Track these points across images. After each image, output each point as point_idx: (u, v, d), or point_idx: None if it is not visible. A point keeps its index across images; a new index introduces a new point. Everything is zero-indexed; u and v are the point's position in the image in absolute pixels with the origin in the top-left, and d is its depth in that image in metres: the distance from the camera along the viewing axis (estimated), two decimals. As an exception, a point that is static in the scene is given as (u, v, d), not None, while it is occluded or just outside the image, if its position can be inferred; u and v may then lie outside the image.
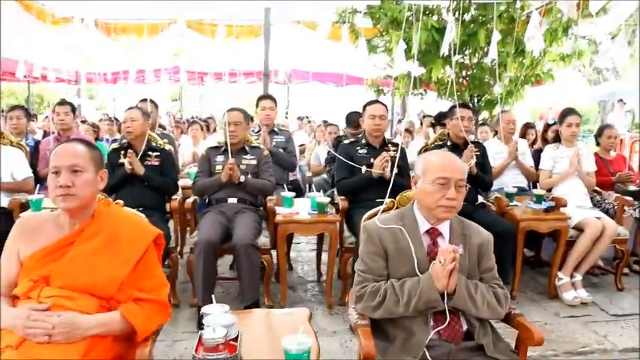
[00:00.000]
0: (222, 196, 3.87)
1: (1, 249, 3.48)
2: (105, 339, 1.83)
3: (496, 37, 5.76)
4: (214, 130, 8.85)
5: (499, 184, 4.60)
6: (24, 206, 3.92)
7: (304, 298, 4.11)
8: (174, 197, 4.06)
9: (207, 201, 4.00)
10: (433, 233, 2.14)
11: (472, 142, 4.16)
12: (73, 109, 4.95)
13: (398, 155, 4.01)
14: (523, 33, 6.83)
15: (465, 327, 2.04)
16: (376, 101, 4.23)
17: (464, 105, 4.35)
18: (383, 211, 2.43)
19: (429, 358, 1.92)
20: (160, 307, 1.98)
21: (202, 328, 1.88)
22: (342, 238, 3.88)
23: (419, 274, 2.03)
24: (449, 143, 4.29)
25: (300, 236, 4.77)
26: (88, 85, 11.98)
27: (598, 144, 5.07)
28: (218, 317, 1.89)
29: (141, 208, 3.78)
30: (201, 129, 7.06)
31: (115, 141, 6.85)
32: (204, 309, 2.02)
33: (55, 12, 8.24)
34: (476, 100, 7.94)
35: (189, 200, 4.00)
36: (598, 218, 4.15)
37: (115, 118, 8.00)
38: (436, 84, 7.82)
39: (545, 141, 5.36)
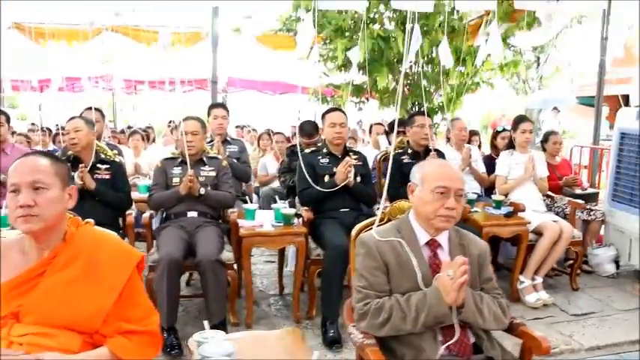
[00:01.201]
0: (181, 209, 3.65)
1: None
2: None
3: (445, 43, 5.81)
4: (153, 140, 8.49)
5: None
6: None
7: (269, 313, 3.94)
8: (128, 212, 3.78)
9: (164, 215, 3.76)
10: (433, 245, 2.07)
11: (352, 152, 4.09)
12: (8, 119, 4.54)
13: (360, 163, 3.98)
14: (462, 42, 7.01)
15: (472, 340, 1.97)
16: (336, 109, 4.13)
17: (423, 113, 4.33)
18: (371, 223, 2.31)
19: (439, 375, 1.83)
20: (151, 339, 1.78)
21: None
22: (307, 250, 3.74)
23: (423, 288, 1.94)
24: (409, 151, 4.26)
25: (255, 249, 4.60)
26: (10, 94, 11.25)
27: (544, 150, 5.20)
28: (216, 346, 1.73)
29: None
30: (142, 139, 6.73)
31: (54, 152, 6.43)
32: (196, 337, 1.84)
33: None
34: (416, 109, 8.06)
35: (146, 215, 3.74)
36: (555, 222, 4.24)
37: (48, 129, 7.51)
38: (378, 92, 7.90)
39: (495, 147, 5.46)
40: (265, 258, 5.12)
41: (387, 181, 2.53)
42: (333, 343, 3.32)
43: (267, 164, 6.25)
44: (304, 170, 3.82)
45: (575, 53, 11.38)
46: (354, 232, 2.32)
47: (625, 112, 4.98)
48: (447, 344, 1.91)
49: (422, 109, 6.90)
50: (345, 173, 3.70)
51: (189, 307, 3.96)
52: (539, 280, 4.20)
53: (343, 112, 4.03)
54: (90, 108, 4.66)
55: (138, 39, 8.73)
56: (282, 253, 4.29)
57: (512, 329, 2.09)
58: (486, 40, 6.72)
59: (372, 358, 1.79)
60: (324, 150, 3.96)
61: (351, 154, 3.96)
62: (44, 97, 11.48)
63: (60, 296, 1.66)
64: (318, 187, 3.76)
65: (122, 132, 8.19)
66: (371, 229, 2.20)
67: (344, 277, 3.50)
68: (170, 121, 11.00)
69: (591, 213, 4.90)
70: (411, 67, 7.64)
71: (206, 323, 1.91)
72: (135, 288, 1.80)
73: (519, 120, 4.65)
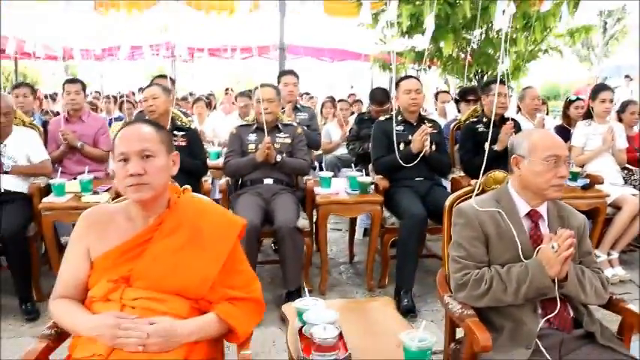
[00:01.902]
0: (257, 176, 3.70)
1: (21, 233, 3.31)
2: (200, 344, 1.66)
3: (511, 9, 5.60)
4: (214, 107, 8.59)
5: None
6: (44, 191, 3.71)
7: (340, 280, 3.99)
8: (204, 179, 3.86)
9: (239, 182, 3.82)
10: (534, 216, 2.03)
11: (427, 120, 4.02)
12: (84, 87, 4.66)
13: (435, 131, 3.93)
14: (529, 8, 6.76)
15: (571, 314, 1.94)
16: (410, 76, 4.07)
17: (500, 81, 4.21)
18: (468, 193, 2.29)
19: (541, 347, 1.81)
20: (255, 305, 1.81)
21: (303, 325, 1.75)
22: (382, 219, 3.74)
23: (523, 259, 1.92)
24: (484, 119, 4.17)
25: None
26: (71, 62, 11.54)
27: (620, 120, 5.00)
28: (320, 313, 1.76)
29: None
30: (207, 106, 6.82)
31: (118, 119, 6.60)
32: (297, 304, 1.88)
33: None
34: (479, 77, 7.88)
35: (222, 182, 3.81)
36: (634, 195, 4.10)
37: (113, 96, 7.68)
38: (441, 60, 7.74)
39: (567, 117, 5.28)
40: (331, 225, 5.16)
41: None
42: (408, 312, 3.34)
43: (330, 132, 6.24)
44: (380, 138, 3.79)
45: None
46: (447, 202, 2.29)
47: None
48: (547, 317, 1.89)
49: (496, 78, 6.77)
50: (421, 141, 3.67)
51: (260, 273, 4.04)
52: (615, 255, 4.10)
53: (417, 78, 3.96)
54: (162, 76, 4.72)
55: (198, 7, 8.75)
56: (352, 221, 4.31)
57: (611, 305, 2.04)
58: (555, 4, 6.47)
59: (475, 329, 1.79)
60: (399, 117, 3.92)
61: (426, 121, 3.91)
62: (105, 66, 11.74)
63: (168, 263, 1.69)
64: (397, 156, 3.72)
65: (184, 99, 8.30)
66: (467, 198, 2.18)
67: (420, 246, 3.50)
68: (227, 89, 11.10)
69: (671, 187, 4.70)
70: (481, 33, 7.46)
71: (306, 290, 1.94)
72: (237, 256, 1.82)
73: (599, 89, 4.47)
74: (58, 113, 5.61)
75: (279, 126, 3.85)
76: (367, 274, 3.77)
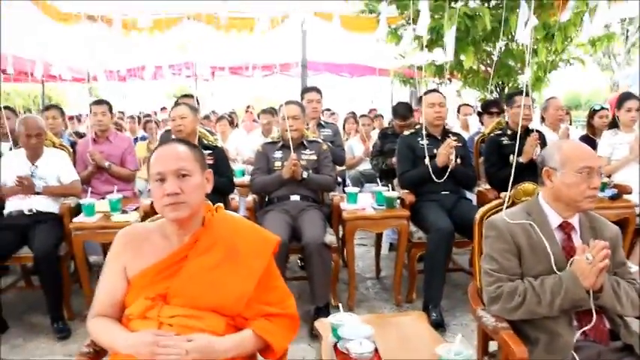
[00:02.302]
0: (284, 193, 3.73)
1: (53, 253, 3.37)
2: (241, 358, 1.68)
3: (532, 21, 5.59)
4: (236, 125, 8.69)
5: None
6: (74, 211, 3.78)
7: (368, 296, 3.99)
8: (231, 197, 3.91)
9: (267, 199, 3.86)
10: (567, 227, 2.02)
11: (452, 133, 4.01)
12: (110, 109, 4.76)
13: (459, 144, 3.93)
14: (549, 18, 6.75)
15: (607, 326, 1.92)
16: (434, 90, 4.08)
17: (524, 93, 4.21)
18: (499, 206, 2.29)
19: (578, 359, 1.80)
20: (290, 321, 1.82)
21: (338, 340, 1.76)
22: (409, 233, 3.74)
23: (556, 271, 1.91)
24: (509, 132, 4.16)
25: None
26: (94, 84, 11.76)
27: (647, 129, 4.94)
28: (355, 328, 1.77)
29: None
30: (230, 124, 6.90)
31: (142, 138, 6.70)
32: (332, 318, 1.89)
33: (59, 7, 7.99)
34: (500, 89, 7.86)
35: (249, 199, 3.84)
36: (663, 207, 4.04)
37: (137, 116, 7.81)
38: (462, 73, 7.74)
39: (591, 126, 5.23)
40: (357, 241, 5.16)
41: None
42: (438, 326, 3.32)
43: (353, 147, 6.28)
44: (405, 153, 3.81)
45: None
46: (478, 215, 2.29)
47: None
48: (583, 329, 1.87)
49: (520, 89, 6.77)
50: (447, 155, 3.67)
51: (291, 288, 4.05)
52: (634, 269, 4.02)
53: (441, 92, 3.97)
54: (188, 95, 4.80)
55: (218, 27, 8.90)
56: (379, 236, 4.31)
57: (647, 316, 2.02)
58: (575, 13, 6.44)
59: (511, 342, 1.78)
60: (424, 132, 3.93)
61: (450, 135, 3.91)
62: (128, 87, 11.95)
63: (205, 280, 1.71)
64: (427, 169, 3.74)
65: (206, 117, 8.41)
66: (497, 211, 2.18)
67: (448, 261, 3.49)
68: (248, 106, 11.22)
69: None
70: (495, 45, 7.46)
71: (341, 306, 1.95)
72: (272, 272, 1.84)
73: (625, 97, 4.43)
74: (84, 134, 5.72)
75: (305, 143, 3.88)
76: (395, 289, 3.76)
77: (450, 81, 8.40)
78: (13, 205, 3.74)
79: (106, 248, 4.15)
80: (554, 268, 1.92)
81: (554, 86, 10.05)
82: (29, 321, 3.71)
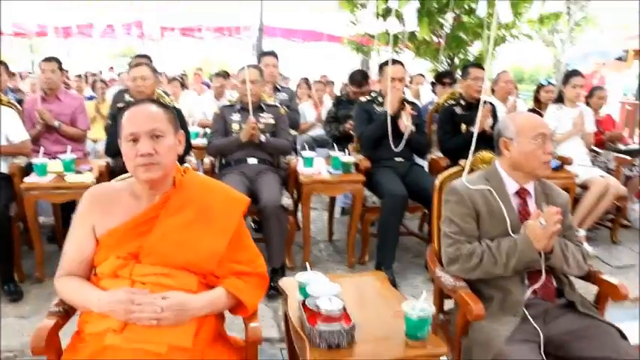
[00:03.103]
0: (241, 156, 3.74)
1: (4, 213, 3.27)
2: (209, 318, 1.71)
3: None
4: (186, 87, 8.52)
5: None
6: (24, 171, 3.67)
7: (321, 258, 4.08)
8: (188, 158, 3.88)
9: (223, 162, 3.85)
10: (523, 193, 2.15)
11: (408, 102, 4.07)
12: (60, 66, 4.57)
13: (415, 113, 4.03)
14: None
15: (554, 285, 2.07)
16: (395, 61, 4.07)
17: (478, 65, 4.33)
18: (457, 172, 2.39)
19: (527, 315, 1.94)
20: (260, 280, 1.86)
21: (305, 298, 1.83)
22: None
23: (512, 234, 2.03)
24: (462, 102, 4.28)
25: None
26: (35, 40, 11.21)
27: (588, 104, 5.20)
28: (323, 286, 1.84)
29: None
30: (181, 86, 6.77)
31: (90, 98, 6.50)
32: (299, 277, 1.95)
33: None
34: (450, 60, 8.04)
35: (207, 161, 3.83)
36: (602, 177, 4.30)
37: (85, 75, 7.54)
38: (415, 43, 7.85)
39: (538, 101, 5.44)
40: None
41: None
42: (390, 287, 3.45)
43: (305, 112, 6.30)
44: (362, 117, 3.89)
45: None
46: (437, 180, 2.39)
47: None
48: (533, 287, 2.01)
49: (468, 61, 6.92)
50: (406, 122, 3.76)
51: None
52: (583, 232, 4.29)
53: (402, 64, 4.01)
54: (142, 55, 4.68)
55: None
56: (332, 200, 4.40)
57: (589, 276, 2.18)
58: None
59: (468, 299, 1.90)
60: (380, 100, 3.99)
61: (407, 104, 3.99)
62: (71, 44, 11.46)
63: (177, 239, 1.72)
64: (384, 124, 3.81)
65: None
66: (456, 178, 2.28)
67: (399, 224, 3.62)
68: (197, 68, 11.01)
69: (633, 169, 4.93)
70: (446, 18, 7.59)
71: (307, 265, 2.01)
72: (243, 232, 1.87)
73: (570, 74, 4.64)
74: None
75: (263, 106, 3.89)
76: (348, 251, 3.87)
77: (402, 50, 8.50)
78: (-42, 163, 3.60)
79: (56, 209, 4.08)
80: (510, 231, 2.04)
81: (500, 60, 10.34)
82: (-19, 283, 3.60)
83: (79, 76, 7.56)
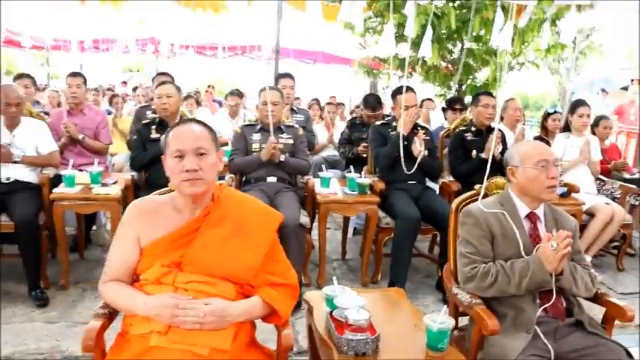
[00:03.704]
0: (261, 174, 3.88)
1: (34, 221, 3.40)
2: (245, 324, 1.85)
3: (509, 27, 5.83)
4: (200, 104, 8.71)
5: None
6: (53, 182, 3.83)
7: (334, 276, 4.19)
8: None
9: (244, 179, 4.00)
10: (532, 217, 2.29)
11: (421, 127, 4.23)
12: (85, 81, 4.76)
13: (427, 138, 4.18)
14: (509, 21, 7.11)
15: (564, 304, 2.21)
16: (409, 88, 4.23)
17: (488, 93, 4.50)
18: (472, 196, 2.54)
19: (539, 332, 2.07)
20: (292, 291, 1.99)
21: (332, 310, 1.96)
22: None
23: (524, 256, 2.17)
24: (473, 129, 4.44)
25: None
26: (50, 53, 11.46)
27: (594, 133, 5.35)
28: (350, 299, 1.97)
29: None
30: (197, 103, 6.96)
31: (108, 113, 6.67)
32: (327, 290, 2.09)
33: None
34: (458, 86, 8.22)
35: (227, 179, 3.97)
36: (607, 204, 4.44)
37: (104, 89, 7.73)
38: (424, 68, 8.04)
39: (545, 129, 5.59)
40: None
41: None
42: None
43: (317, 133, 6.44)
44: (377, 141, 4.06)
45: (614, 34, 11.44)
46: (454, 204, 2.53)
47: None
48: (544, 307, 2.14)
49: (477, 87, 7.08)
50: (419, 146, 3.91)
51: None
52: (588, 259, 4.40)
53: (414, 91, 4.16)
54: (164, 73, 4.86)
55: (187, 4, 8.85)
56: (346, 221, 4.53)
57: (597, 298, 2.32)
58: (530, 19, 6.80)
59: (484, 315, 2.03)
60: (394, 124, 4.16)
61: (420, 129, 4.15)
62: (84, 59, 11.70)
63: (217, 250, 1.87)
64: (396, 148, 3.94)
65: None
66: (471, 202, 2.44)
67: (412, 246, 3.76)
68: (209, 86, 11.21)
69: (638, 198, 5.07)
70: (456, 44, 7.80)
71: (334, 279, 2.15)
72: (276, 246, 2.02)
73: (577, 104, 4.80)
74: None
75: (282, 127, 4.05)
76: (362, 270, 4.00)
77: (412, 75, 8.69)
78: (-11, 173, 3.74)
79: (80, 220, 4.23)
80: (523, 253, 2.18)
81: (505, 87, 10.52)
82: (4, 289, 3.71)
83: (97, 90, 7.73)
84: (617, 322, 2.32)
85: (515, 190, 2.33)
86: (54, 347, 3.05)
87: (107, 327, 1.91)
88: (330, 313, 1.98)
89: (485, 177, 2.51)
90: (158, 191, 2.24)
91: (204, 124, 1.99)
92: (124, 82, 11.48)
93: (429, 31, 4.93)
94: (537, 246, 2.16)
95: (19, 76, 4.92)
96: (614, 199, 4.80)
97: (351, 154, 5.08)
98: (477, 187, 2.54)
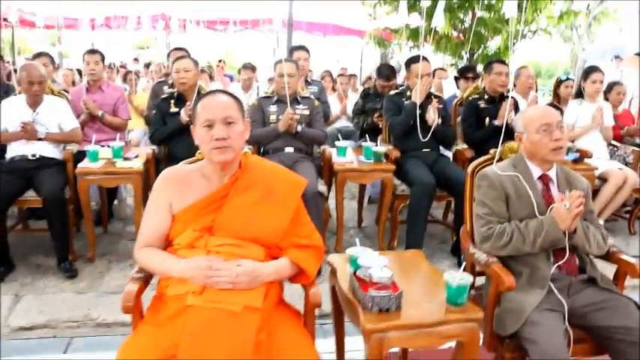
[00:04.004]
0: (279, 145, 3.98)
1: (62, 196, 3.52)
2: (275, 284, 1.95)
3: None
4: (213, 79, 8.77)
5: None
6: (76, 157, 3.94)
7: (352, 243, 4.24)
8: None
9: (262, 150, 4.10)
10: (545, 179, 2.37)
11: (434, 96, 4.29)
12: (103, 58, 4.84)
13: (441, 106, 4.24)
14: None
15: (577, 262, 2.30)
16: (423, 57, 4.27)
17: (501, 61, 4.53)
18: (487, 161, 2.61)
19: (553, 288, 2.16)
20: (317, 252, 2.09)
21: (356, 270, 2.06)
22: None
23: (538, 216, 2.26)
24: (486, 97, 4.48)
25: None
26: (62, 32, 11.52)
27: (607, 99, 5.37)
28: (373, 258, 2.07)
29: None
30: (210, 78, 7.02)
31: (123, 90, 6.76)
32: (350, 251, 2.19)
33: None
34: (470, 55, 8.21)
35: (246, 149, 4.05)
36: (620, 169, 4.50)
37: (117, 66, 7.80)
38: (435, 38, 8.03)
39: (557, 96, 5.62)
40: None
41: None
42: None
43: (330, 105, 6.50)
44: (392, 109, 4.13)
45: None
46: (469, 168, 2.61)
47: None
48: (557, 264, 2.24)
49: (489, 56, 7.09)
50: (433, 115, 3.97)
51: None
52: (601, 222, 4.48)
53: (428, 60, 4.21)
54: (179, 48, 4.92)
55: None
56: (362, 189, 4.63)
57: (608, 256, 2.40)
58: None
59: (501, 273, 2.12)
60: (408, 93, 4.21)
61: (433, 97, 4.20)
62: (94, 36, 11.73)
63: (246, 215, 1.97)
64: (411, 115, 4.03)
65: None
66: (485, 165, 2.52)
67: (428, 211, 3.85)
68: (220, 60, 11.24)
69: (651, 162, 5.11)
70: (467, 13, 7.78)
71: (357, 240, 2.25)
72: (301, 210, 2.12)
73: (590, 70, 4.83)
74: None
75: (298, 98, 4.12)
76: (379, 236, 4.11)
77: (423, 45, 8.68)
78: (15, 150, 3.87)
79: (103, 195, 4.36)
80: (537, 213, 2.27)
81: (519, 55, 10.48)
82: (34, 262, 3.89)
83: (110, 67, 7.81)
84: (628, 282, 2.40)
85: (525, 154, 2.41)
86: (86, 315, 3.21)
87: (143, 290, 2.02)
88: (354, 272, 2.08)
89: (500, 142, 2.57)
90: (186, 160, 2.34)
91: (232, 95, 2.08)
92: (136, 59, 11.52)
93: (442, 2, 4.93)
94: (551, 206, 2.24)
95: (38, 55, 5.00)
96: (626, 164, 4.85)
97: (365, 124, 5.15)
98: (491, 151, 2.61)
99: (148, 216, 2.07)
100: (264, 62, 10.44)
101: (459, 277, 1.92)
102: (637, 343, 2.02)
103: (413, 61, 4.19)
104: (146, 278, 2.05)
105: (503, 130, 2.72)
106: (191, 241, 1.95)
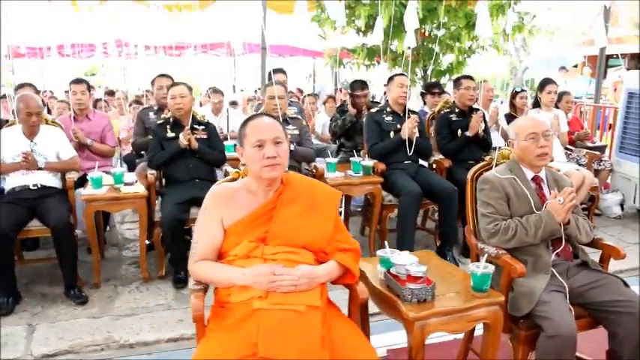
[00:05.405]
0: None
1: (69, 224, 3.62)
2: (324, 285, 2.18)
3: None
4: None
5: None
6: (77, 185, 4.05)
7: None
8: (222, 168, 4.33)
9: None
10: (537, 180, 2.74)
11: (410, 111, 4.59)
12: (89, 87, 4.94)
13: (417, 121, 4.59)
14: (468, 7, 7.66)
15: (571, 249, 2.66)
16: (402, 73, 4.63)
17: (468, 77, 4.94)
18: (484, 167, 2.96)
19: (555, 273, 2.51)
20: (357, 254, 2.32)
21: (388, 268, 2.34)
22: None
23: (535, 211, 2.61)
24: (456, 110, 4.87)
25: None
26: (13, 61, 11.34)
27: (557, 107, 5.89)
28: (405, 256, 2.34)
29: (197, 180, 4.10)
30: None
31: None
32: (380, 253, 2.45)
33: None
34: (423, 71, 8.70)
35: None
36: (577, 170, 4.97)
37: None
38: (391, 55, 8.48)
39: (514, 106, 6.08)
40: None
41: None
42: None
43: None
44: (373, 127, 4.44)
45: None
46: (470, 174, 2.94)
47: (632, 75, 5.71)
48: (556, 251, 2.59)
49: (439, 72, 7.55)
50: (412, 129, 4.31)
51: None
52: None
53: (406, 76, 4.57)
54: (164, 75, 5.06)
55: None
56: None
57: (594, 243, 2.78)
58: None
59: (512, 262, 2.45)
60: (388, 109, 4.55)
61: (410, 113, 4.55)
62: (47, 63, 11.61)
63: (295, 224, 2.19)
64: (396, 139, 4.40)
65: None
66: (483, 171, 2.87)
67: (416, 218, 4.18)
68: (209, 88, 11.34)
69: (601, 163, 5.65)
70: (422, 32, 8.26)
71: (386, 243, 2.52)
72: (338, 217, 2.36)
73: (545, 82, 5.34)
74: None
75: (287, 119, 4.38)
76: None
77: (379, 63, 9.12)
78: (14, 181, 3.91)
79: (99, 221, 4.43)
80: (534, 209, 2.62)
81: (466, 70, 11.09)
82: (38, 292, 3.91)
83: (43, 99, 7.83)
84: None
85: (517, 158, 2.77)
86: (107, 338, 3.30)
87: (203, 300, 2.18)
88: (388, 270, 2.34)
89: (494, 151, 2.93)
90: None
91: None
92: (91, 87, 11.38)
93: (379, 20, 5.37)
94: (546, 202, 2.60)
95: (21, 86, 5.05)
96: (580, 165, 5.35)
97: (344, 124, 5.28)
98: (487, 158, 2.96)
99: (200, 232, 2.26)
100: (223, 86, 10.61)
101: (483, 267, 2.23)
102: (627, 313, 2.39)
103: (395, 75, 4.58)
104: (205, 289, 2.23)
105: (492, 138, 3.08)
106: (247, 251, 2.15)
